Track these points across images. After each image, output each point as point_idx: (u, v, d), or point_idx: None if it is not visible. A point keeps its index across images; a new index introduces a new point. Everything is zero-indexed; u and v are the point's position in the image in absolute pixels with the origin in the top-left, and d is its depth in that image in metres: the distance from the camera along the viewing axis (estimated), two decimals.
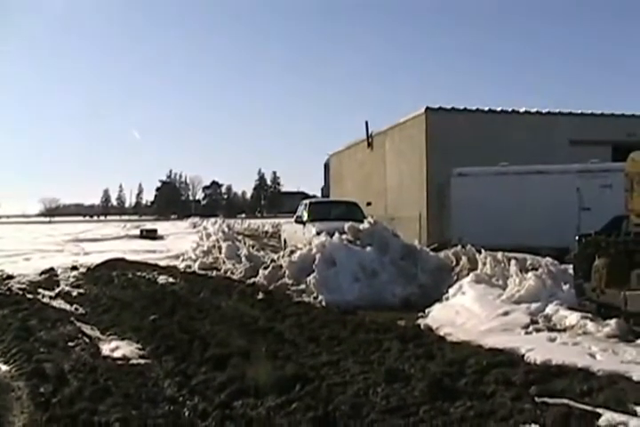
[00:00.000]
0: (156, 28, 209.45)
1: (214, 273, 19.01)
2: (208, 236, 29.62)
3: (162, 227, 54.48)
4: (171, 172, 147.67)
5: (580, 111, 26.74)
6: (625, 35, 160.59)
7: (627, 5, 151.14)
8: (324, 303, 13.04)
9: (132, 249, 29.49)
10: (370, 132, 31.30)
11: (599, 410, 5.97)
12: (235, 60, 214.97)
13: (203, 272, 19.32)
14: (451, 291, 12.68)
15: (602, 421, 5.74)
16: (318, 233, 17.01)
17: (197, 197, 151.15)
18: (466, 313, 11.04)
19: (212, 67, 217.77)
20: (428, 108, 24.92)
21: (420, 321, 11.07)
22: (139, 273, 18.80)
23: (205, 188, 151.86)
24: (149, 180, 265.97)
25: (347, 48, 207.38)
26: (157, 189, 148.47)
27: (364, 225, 16.23)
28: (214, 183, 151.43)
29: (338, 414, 5.91)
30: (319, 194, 49.46)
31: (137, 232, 47.20)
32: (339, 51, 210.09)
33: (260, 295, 13.72)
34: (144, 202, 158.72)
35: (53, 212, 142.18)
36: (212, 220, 55.22)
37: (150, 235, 43.89)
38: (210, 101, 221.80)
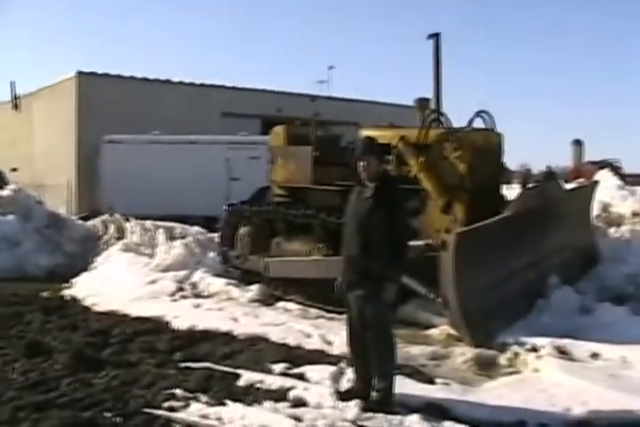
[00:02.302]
0: None
1: None
2: None
3: None
4: None
5: (232, 85, 27.51)
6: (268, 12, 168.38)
7: None
8: None
9: None
10: (16, 93, 29.29)
11: (239, 371, 6.27)
12: None
13: None
14: (98, 260, 12.48)
15: (241, 381, 6.03)
16: None
17: None
18: (113, 282, 10.90)
19: None
20: (79, 72, 23.95)
21: (66, 292, 10.72)
22: None
23: None
24: None
25: None
26: None
27: (6, 192, 15.20)
28: None
29: None
30: None
31: None
32: None
33: None
34: None
35: None
36: None
37: None
38: None
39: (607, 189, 11.98)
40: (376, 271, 5.21)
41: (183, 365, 6.55)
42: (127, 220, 14.80)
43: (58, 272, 12.76)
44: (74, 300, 10.13)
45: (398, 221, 5.30)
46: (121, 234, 14.41)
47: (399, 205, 5.49)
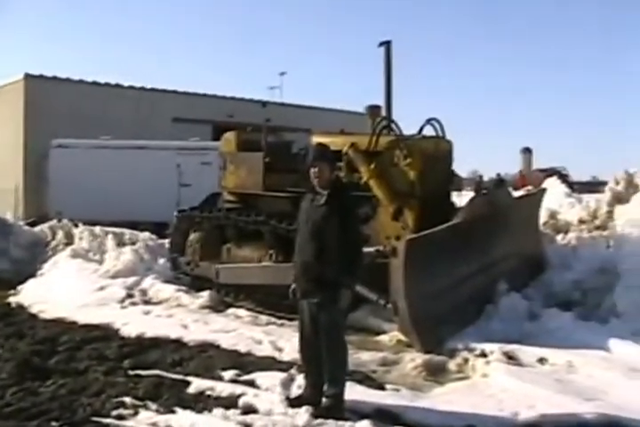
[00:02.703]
0: None
1: None
2: None
3: None
4: None
5: (183, 90, 27.35)
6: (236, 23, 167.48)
7: None
8: None
9: None
10: None
11: (189, 378, 6.23)
12: None
13: None
14: (46, 266, 12.30)
15: (191, 388, 5.99)
16: None
17: None
18: (61, 289, 10.74)
19: None
20: (27, 75, 23.57)
21: (12, 299, 10.54)
22: None
23: None
24: None
25: None
26: None
27: None
28: None
29: None
30: None
31: None
32: None
33: None
34: None
35: None
36: None
37: None
38: None
39: (555, 197, 12.21)
40: (331, 278, 5.21)
41: (132, 372, 6.48)
42: (76, 225, 14.61)
43: (4, 279, 12.46)
44: (20, 307, 9.96)
45: (352, 227, 5.33)
46: (69, 240, 14.21)
47: (352, 212, 5.52)
